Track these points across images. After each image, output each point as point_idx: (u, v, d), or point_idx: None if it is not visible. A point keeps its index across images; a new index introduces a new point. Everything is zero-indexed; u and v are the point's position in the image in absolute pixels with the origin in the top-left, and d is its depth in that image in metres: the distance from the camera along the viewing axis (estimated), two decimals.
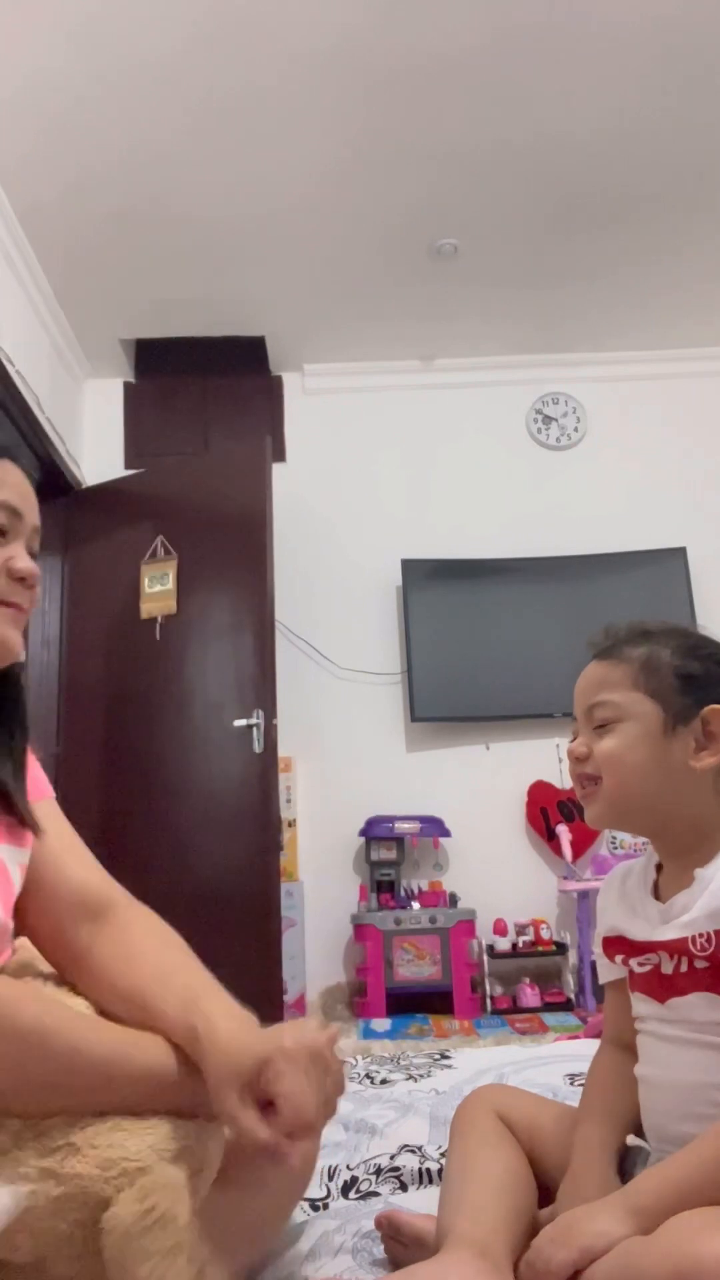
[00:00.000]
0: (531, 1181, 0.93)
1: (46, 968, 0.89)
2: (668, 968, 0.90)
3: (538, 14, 2.52)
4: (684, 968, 0.89)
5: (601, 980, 1.06)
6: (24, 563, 0.89)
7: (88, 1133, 0.67)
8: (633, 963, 0.95)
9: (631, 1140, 0.95)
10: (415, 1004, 3.34)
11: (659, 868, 0.99)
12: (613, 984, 1.03)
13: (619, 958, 0.98)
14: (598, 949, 1.03)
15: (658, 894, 0.96)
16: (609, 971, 1.03)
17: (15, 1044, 0.68)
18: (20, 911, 0.88)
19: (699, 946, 0.86)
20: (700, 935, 0.87)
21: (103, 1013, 0.82)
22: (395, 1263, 0.99)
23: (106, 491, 3.90)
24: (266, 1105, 0.71)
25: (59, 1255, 0.67)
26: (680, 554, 3.99)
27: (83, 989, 0.84)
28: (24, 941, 0.91)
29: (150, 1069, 0.74)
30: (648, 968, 0.93)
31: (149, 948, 0.87)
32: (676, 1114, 0.87)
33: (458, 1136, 0.99)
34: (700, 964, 0.87)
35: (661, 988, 0.91)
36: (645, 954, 0.93)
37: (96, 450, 4.13)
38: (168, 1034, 0.77)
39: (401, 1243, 0.98)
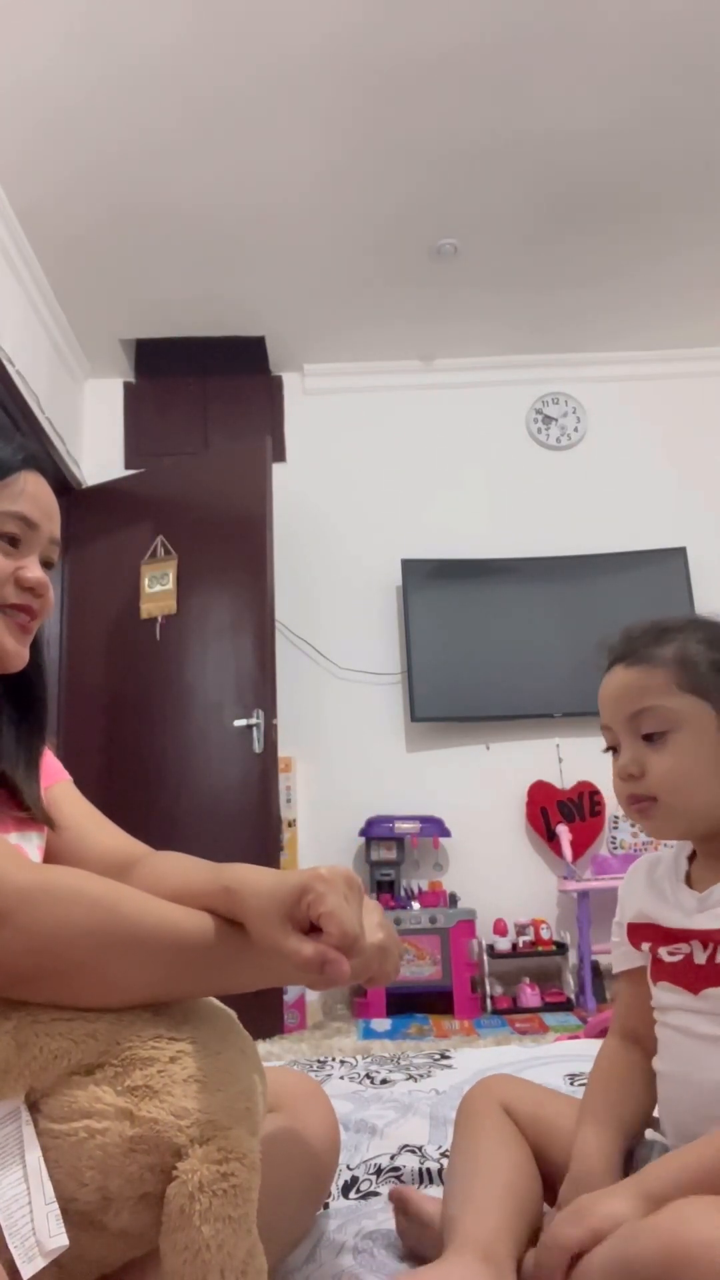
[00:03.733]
0: (536, 1177, 0.93)
1: None
2: (700, 957, 0.90)
3: (540, 10, 2.52)
4: (719, 958, 0.88)
5: (616, 969, 1.04)
6: (33, 572, 0.89)
7: (164, 1079, 0.69)
8: (662, 951, 0.94)
9: (650, 1134, 0.94)
10: (415, 1004, 3.34)
11: (691, 858, 0.98)
12: (629, 974, 1.02)
13: (646, 945, 0.97)
14: (619, 936, 1.02)
15: (690, 883, 0.95)
16: (627, 960, 1.02)
17: (89, 909, 0.71)
18: None
19: None
20: None
21: None
22: (402, 1239, 1.01)
23: (106, 491, 3.90)
24: (310, 931, 0.72)
25: (124, 1198, 0.68)
26: (680, 554, 3.99)
27: None
28: None
29: (209, 932, 0.76)
30: (679, 957, 0.92)
31: (176, 862, 0.89)
32: (701, 1113, 0.86)
33: (462, 1130, 0.99)
34: None
35: (695, 978, 0.90)
36: (677, 942, 0.92)
37: (96, 450, 4.13)
38: (206, 909, 0.79)
39: (408, 1218, 1.00)
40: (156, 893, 0.80)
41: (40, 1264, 0.63)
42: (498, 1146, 0.94)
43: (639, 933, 0.98)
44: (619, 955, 1.03)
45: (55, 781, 0.99)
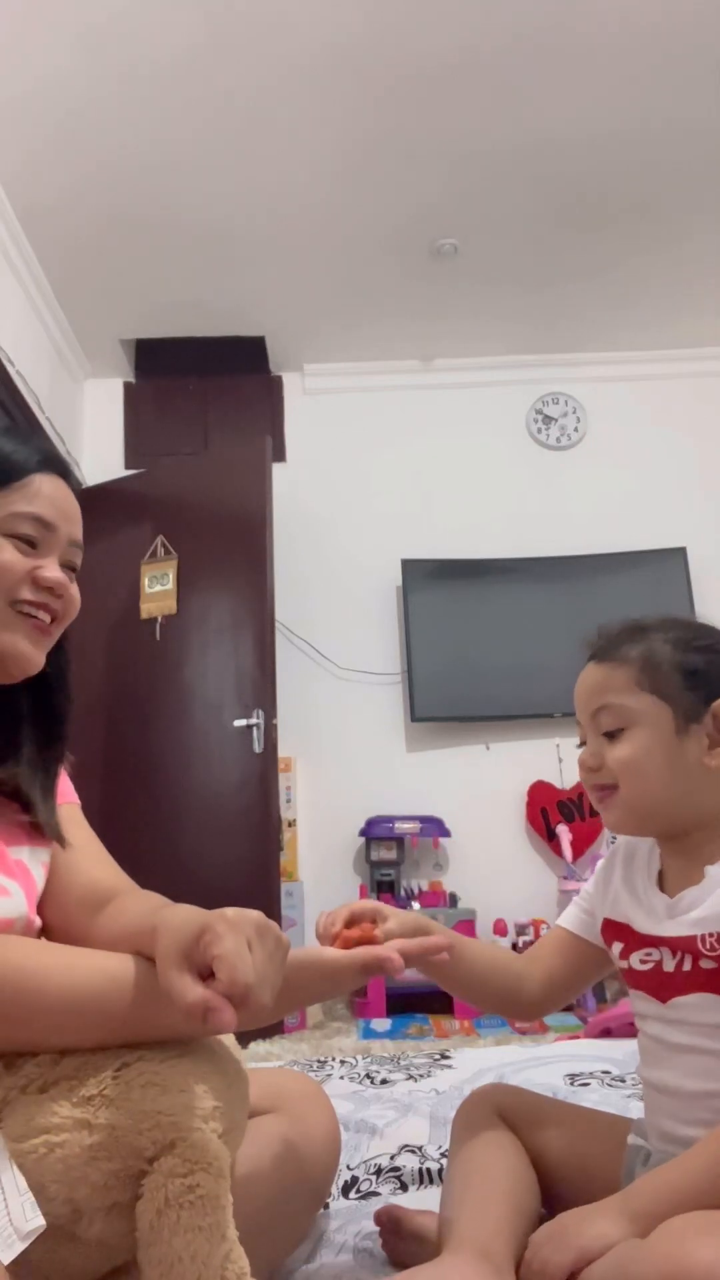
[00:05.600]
0: (534, 1182, 0.93)
1: None
2: (669, 965, 0.90)
3: (539, 16, 2.52)
4: (687, 966, 0.88)
5: (560, 921, 1.05)
6: (51, 572, 0.88)
7: (120, 1086, 0.68)
8: (634, 958, 0.94)
9: (632, 1139, 0.94)
10: (415, 1004, 3.33)
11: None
12: (565, 932, 1.04)
13: (617, 946, 0.96)
14: (586, 903, 1.03)
15: (662, 884, 0.95)
16: (572, 921, 1.03)
17: None
18: (38, 907, 0.90)
19: (708, 946, 0.86)
20: (710, 935, 0.86)
21: None
22: (393, 1259, 0.99)
23: (106, 491, 3.90)
24: (209, 976, 0.68)
25: (93, 1208, 0.67)
26: (680, 554, 3.99)
27: None
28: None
29: (122, 987, 0.73)
30: (649, 965, 0.92)
31: (141, 903, 0.87)
32: (680, 1119, 0.87)
33: (459, 1136, 0.99)
34: (706, 964, 0.86)
35: (663, 986, 0.90)
36: (648, 948, 0.92)
37: (96, 450, 4.13)
38: (142, 950, 0.76)
39: (401, 1238, 0.99)
40: (110, 932, 0.79)
41: (20, 1247, 0.63)
42: (494, 1151, 0.94)
43: (612, 930, 0.98)
44: (570, 918, 1.04)
45: (64, 802, 0.99)
